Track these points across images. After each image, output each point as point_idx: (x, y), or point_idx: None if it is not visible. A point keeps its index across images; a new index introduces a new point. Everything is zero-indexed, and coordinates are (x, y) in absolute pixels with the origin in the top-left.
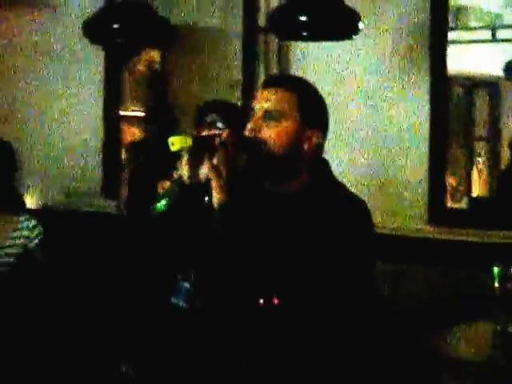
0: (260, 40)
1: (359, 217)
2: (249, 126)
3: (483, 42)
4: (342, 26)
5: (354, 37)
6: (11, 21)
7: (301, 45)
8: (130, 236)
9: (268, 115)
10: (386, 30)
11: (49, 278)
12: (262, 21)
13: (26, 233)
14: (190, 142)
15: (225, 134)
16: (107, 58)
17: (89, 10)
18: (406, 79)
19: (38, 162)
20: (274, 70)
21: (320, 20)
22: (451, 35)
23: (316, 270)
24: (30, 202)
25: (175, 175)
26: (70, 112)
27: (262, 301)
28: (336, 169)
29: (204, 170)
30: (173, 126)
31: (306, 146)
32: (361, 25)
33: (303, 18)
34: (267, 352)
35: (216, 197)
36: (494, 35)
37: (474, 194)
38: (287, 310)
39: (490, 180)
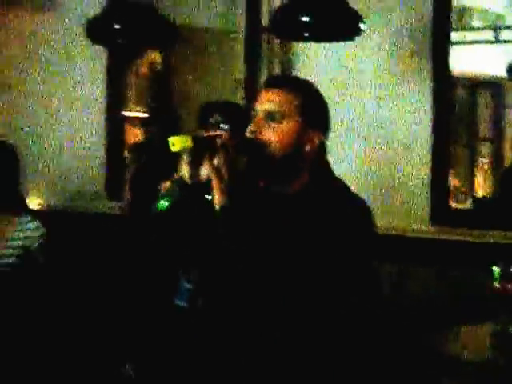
0: (263, 40)
1: (360, 217)
2: (250, 127)
3: (486, 42)
4: (345, 26)
5: (356, 37)
6: (13, 22)
7: (303, 45)
8: (133, 237)
9: (269, 116)
10: (389, 31)
11: (50, 279)
12: (264, 21)
13: (27, 234)
14: (190, 142)
15: (225, 135)
16: (110, 58)
17: (91, 11)
18: (409, 80)
19: (42, 164)
20: (277, 71)
21: (322, 21)
22: (454, 36)
23: (317, 270)
24: (34, 203)
25: (176, 175)
26: (73, 113)
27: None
28: (338, 169)
29: (205, 171)
30: (175, 127)
31: (307, 147)
32: (363, 25)
33: (305, 19)
34: (267, 352)
35: (217, 198)
36: (496, 36)
37: (478, 194)
38: (288, 310)
39: (493, 180)
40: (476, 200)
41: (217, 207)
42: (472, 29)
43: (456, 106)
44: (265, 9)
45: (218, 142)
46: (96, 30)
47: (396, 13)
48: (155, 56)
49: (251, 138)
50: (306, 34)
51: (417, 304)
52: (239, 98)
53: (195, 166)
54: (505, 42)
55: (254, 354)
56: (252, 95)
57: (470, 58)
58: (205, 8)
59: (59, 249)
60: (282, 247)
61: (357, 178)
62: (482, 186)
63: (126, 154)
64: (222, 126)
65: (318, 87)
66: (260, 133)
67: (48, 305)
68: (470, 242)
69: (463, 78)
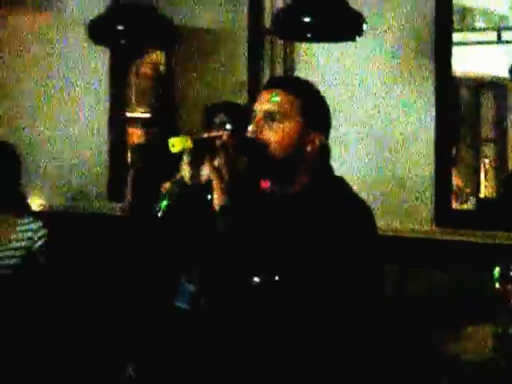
0: (265, 41)
1: (360, 219)
2: (250, 127)
3: (489, 43)
4: (347, 27)
5: (358, 38)
6: (15, 23)
7: (306, 46)
8: (135, 237)
9: (270, 117)
10: (391, 31)
11: (52, 280)
12: (267, 22)
13: (29, 235)
14: (190, 143)
15: (225, 136)
16: (112, 59)
17: (93, 12)
18: (411, 80)
19: (44, 164)
20: (280, 71)
21: (324, 21)
22: (457, 36)
23: (317, 270)
24: (36, 204)
25: (177, 176)
26: (75, 114)
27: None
28: (340, 169)
29: (205, 171)
30: (177, 127)
31: (308, 148)
32: (365, 26)
33: (307, 20)
34: (267, 352)
35: (217, 198)
36: (499, 37)
37: (481, 195)
38: (289, 311)
39: (496, 181)
40: (479, 201)
41: (217, 207)
42: (475, 29)
43: (459, 107)
44: (267, 10)
45: (218, 142)
46: (98, 31)
47: (398, 13)
48: (157, 57)
49: (251, 139)
50: (308, 35)
51: (418, 304)
52: (242, 98)
53: (195, 166)
54: (507, 42)
55: (254, 354)
56: (254, 96)
57: (472, 59)
58: (207, 9)
59: (61, 250)
60: (282, 247)
61: (359, 178)
62: (486, 187)
63: (129, 154)
64: (227, 126)
65: (321, 88)
66: (260, 133)
67: (50, 305)
68: (473, 243)
69: (466, 79)
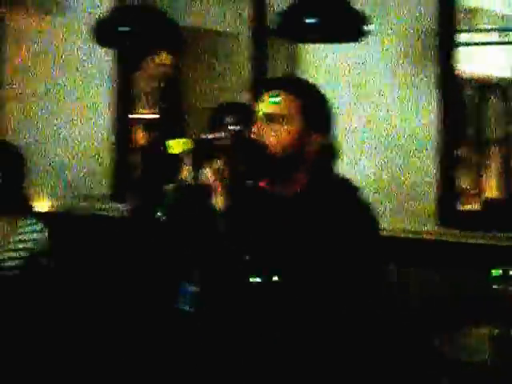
0: (269, 42)
1: (360, 219)
2: (252, 128)
3: (493, 44)
4: (350, 28)
5: (362, 39)
6: (21, 25)
7: (309, 47)
8: (137, 239)
9: (270, 118)
10: (395, 32)
11: (55, 281)
12: (271, 23)
13: (32, 236)
14: (190, 144)
15: (225, 137)
16: (118, 60)
17: (99, 14)
18: (416, 81)
19: (49, 166)
20: (283, 72)
21: (327, 22)
22: (461, 37)
23: (316, 270)
24: (40, 205)
25: (179, 178)
26: (80, 115)
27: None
28: (345, 171)
29: (206, 173)
30: (183, 128)
31: (309, 149)
32: (369, 27)
33: (311, 21)
34: (268, 352)
35: (218, 199)
36: (504, 37)
37: (486, 196)
38: (289, 311)
39: (502, 182)
40: (485, 202)
41: (218, 208)
42: (479, 30)
43: (464, 108)
44: (271, 11)
45: (218, 143)
46: (103, 33)
47: (402, 14)
48: (163, 58)
49: (252, 140)
50: (312, 36)
51: (420, 305)
52: (246, 99)
53: (196, 168)
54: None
55: (255, 354)
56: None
57: (478, 60)
58: (212, 11)
59: (64, 251)
60: (282, 247)
61: (363, 178)
62: (491, 188)
63: (133, 156)
64: (234, 126)
65: (324, 89)
66: (261, 134)
67: (53, 307)
68: (479, 244)
69: (471, 80)
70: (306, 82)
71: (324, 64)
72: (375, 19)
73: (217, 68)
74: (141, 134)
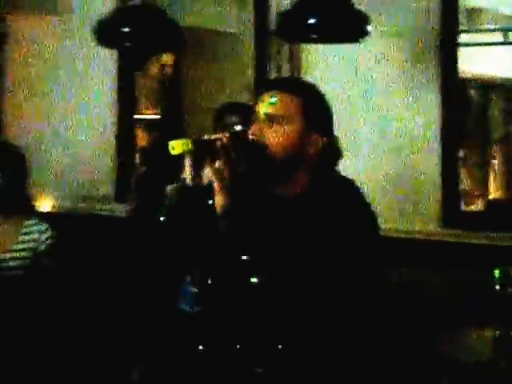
0: (271, 42)
1: (361, 220)
2: (252, 129)
3: (495, 44)
4: (351, 28)
5: (364, 39)
6: (22, 26)
7: (312, 47)
8: (139, 240)
9: (270, 118)
10: (397, 32)
11: (59, 281)
12: (273, 24)
13: (36, 236)
14: (190, 145)
15: (225, 138)
16: (120, 61)
17: (101, 15)
18: (418, 81)
19: (52, 166)
20: (286, 72)
21: (329, 23)
22: (463, 37)
23: (315, 270)
24: (43, 205)
25: (179, 178)
26: (83, 115)
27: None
28: (347, 172)
29: (206, 173)
30: (185, 128)
31: (310, 150)
32: (370, 27)
33: (312, 21)
34: (268, 353)
35: (218, 199)
36: (506, 37)
37: (490, 196)
38: (290, 311)
39: (504, 182)
40: (489, 202)
41: (218, 209)
42: (481, 30)
43: (467, 108)
44: (273, 11)
45: (219, 144)
46: (104, 33)
47: (404, 14)
48: (166, 59)
49: (252, 140)
50: (313, 36)
51: (423, 305)
52: (248, 99)
53: (197, 168)
54: None
55: (255, 354)
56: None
57: (480, 60)
58: (214, 11)
59: (67, 251)
60: (282, 248)
61: (366, 180)
62: (494, 189)
63: (136, 156)
64: (238, 127)
65: (326, 89)
66: (261, 135)
67: (56, 307)
68: (482, 245)
69: (475, 80)
70: (306, 82)
71: (325, 64)
72: (377, 19)
73: (218, 68)
74: (142, 135)
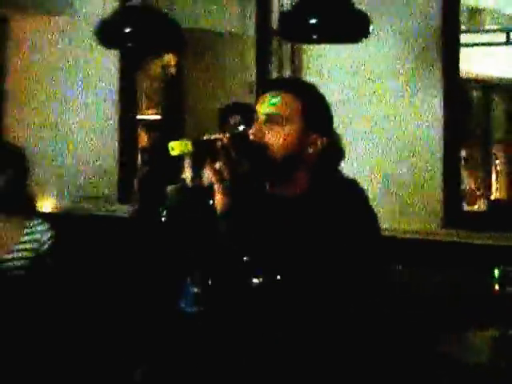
0: (273, 43)
1: (362, 221)
2: (252, 129)
3: (497, 44)
4: (353, 28)
5: (366, 39)
6: (25, 27)
7: (314, 47)
8: (141, 240)
9: (270, 119)
10: (399, 33)
11: (60, 282)
12: (274, 24)
13: (37, 237)
14: (190, 146)
15: (225, 138)
16: (122, 61)
17: (103, 16)
18: (420, 82)
19: (54, 166)
20: (288, 73)
21: (330, 23)
22: (466, 37)
23: (316, 270)
24: (46, 206)
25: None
26: (85, 115)
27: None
28: (349, 171)
29: (207, 174)
30: (186, 129)
31: (310, 150)
32: (371, 27)
33: (313, 21)
34: (269, 353)
35: (219, 200)
36: (508, 38)
37: (492, 196)
38: (291, 312)
39: (506, 182)
40: (491, 202)
41: (219, 209)
42: (483, 31)
43: (468, 108)
44: (275, 12)
45: (219, 144)
46: (106, 34)
47: (406, 14)
48: (168, 59)
49: (252, 141)
50: (314, 37)
51: (425, 305)
52: (250, 100)
53: (197, 169)
54: None
55: (256, 354)
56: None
57: (482, 61)
58: (216, 12)
59: (69, 251)
60: (283, 248)
61: (368, 180)
62: (497, 189)
63: (138, 156)
64: (240, 127)
65: (328, 89)
66: (261, 135)
67: (58, 307)
68: (484, 245)
69: (476, 80)
70: (306, 82)
71: (328, 64)
72: (378, 19)
73: (219, 69)
74: (148, 135)
